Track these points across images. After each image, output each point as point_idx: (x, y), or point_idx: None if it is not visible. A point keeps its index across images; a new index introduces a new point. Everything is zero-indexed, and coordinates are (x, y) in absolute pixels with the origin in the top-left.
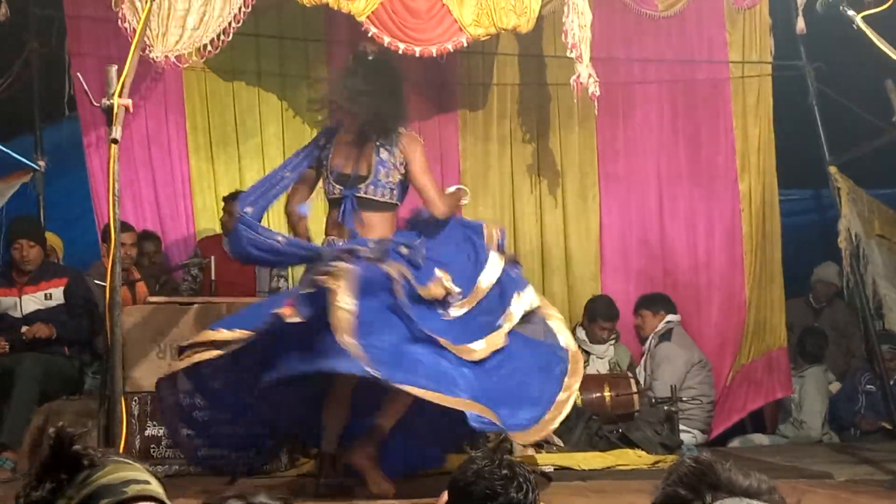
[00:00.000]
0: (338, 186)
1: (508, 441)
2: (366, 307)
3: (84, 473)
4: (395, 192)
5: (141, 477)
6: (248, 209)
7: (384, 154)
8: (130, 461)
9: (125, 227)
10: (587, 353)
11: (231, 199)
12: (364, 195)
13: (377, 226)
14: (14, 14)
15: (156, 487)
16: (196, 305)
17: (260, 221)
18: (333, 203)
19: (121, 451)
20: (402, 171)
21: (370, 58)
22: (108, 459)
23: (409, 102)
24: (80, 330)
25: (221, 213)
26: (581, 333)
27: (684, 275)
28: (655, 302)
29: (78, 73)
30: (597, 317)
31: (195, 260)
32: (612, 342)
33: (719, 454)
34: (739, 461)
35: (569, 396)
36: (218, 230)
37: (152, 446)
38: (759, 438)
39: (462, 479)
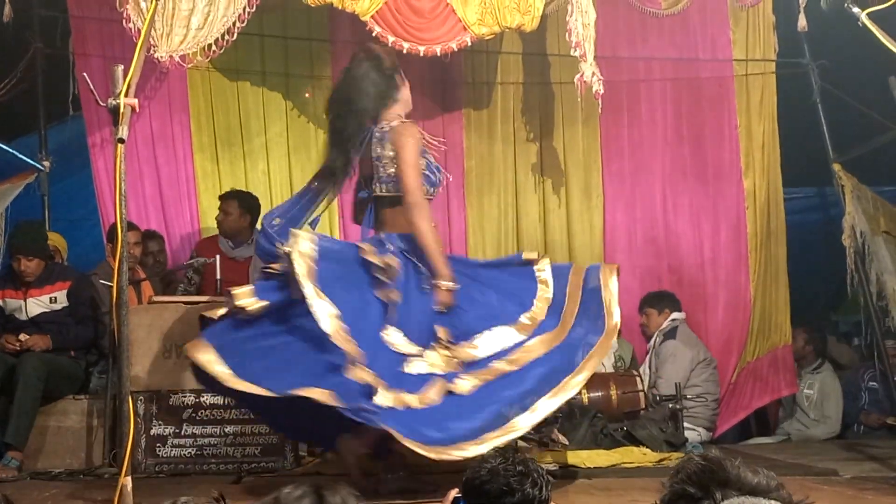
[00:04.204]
0: (363, 190)
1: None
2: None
3: None
4: (398, 184)
5: None
6: None
7: (378, 149)
8: None
9: (130, 226)
10: None
11: (225, 197)
12: (378, 193)
13: (391, 221)
14: (18, 14)
15: None
16: (201, 305)
17: None
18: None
19: (128, 450)
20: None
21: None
22: None
23: (386, 93)
24: (84, 333)
25: (217, 213)
26: None
27: (689, 272)
28: (660, 300)
29: (84, 73)
30: None
31: (200, 259)
32: None
33: (726, 451)
34: (747, 459)
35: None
36: None
37: (158, 445)
38: (765, 441)
39: (477, 478)
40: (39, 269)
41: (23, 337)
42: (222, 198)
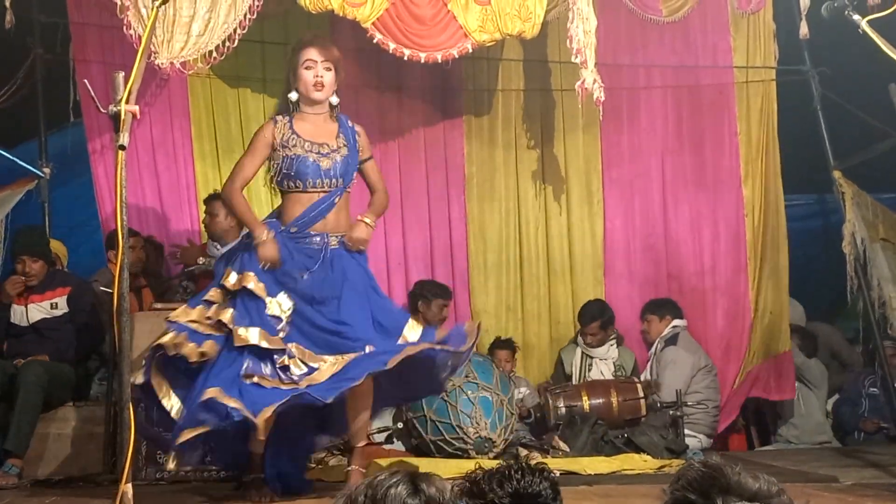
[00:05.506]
0: None
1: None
2: None
3: None
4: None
5: None
6: None
7: None
8: None
9: (131, 232)
10: (590, 358)
11: (210, 199)
12: None
13: None
14: (19, 20)
15: None
16: None
17: None
18: None
19: (128, 457)
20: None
21: None
22: None
23: None
24: (83, 341)
25: (203, 216)
26: (580, 341)
27: (689, 279)
28: (662, 307)
29: (85, 80)
30: (581, 322)
31: (201, 266)
32: (612, 343)
33: (727, 458)
34: (747, 465)
35: None
36: None
37: (158, 452)
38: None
39: (483, 478)
40: (43, 271)
41: (17, 363)
42: (207, 200)
